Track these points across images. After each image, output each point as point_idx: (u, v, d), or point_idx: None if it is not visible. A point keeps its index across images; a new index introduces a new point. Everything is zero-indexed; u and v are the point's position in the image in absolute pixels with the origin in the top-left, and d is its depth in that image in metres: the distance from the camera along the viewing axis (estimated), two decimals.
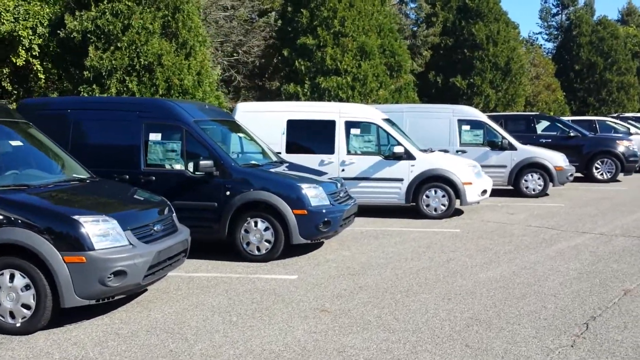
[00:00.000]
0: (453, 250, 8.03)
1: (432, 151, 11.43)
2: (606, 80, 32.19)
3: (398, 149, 10.55)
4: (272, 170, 8.00)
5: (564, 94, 30.02)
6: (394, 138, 10.73)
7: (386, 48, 16.46)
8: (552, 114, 26.71)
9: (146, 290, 6.09)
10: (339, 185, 8.44)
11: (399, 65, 16.56)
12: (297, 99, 15.75)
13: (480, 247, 8.25)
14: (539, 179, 13.49)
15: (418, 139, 13.49)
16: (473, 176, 10.64)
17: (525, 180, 13.53)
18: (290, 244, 7.38)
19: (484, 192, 10.77)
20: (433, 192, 10.66)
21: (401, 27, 21.60)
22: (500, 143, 13.45)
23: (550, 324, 5.12)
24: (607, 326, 5.06)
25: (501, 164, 13.53)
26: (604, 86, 32.23)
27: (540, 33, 46.22)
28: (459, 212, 11.18)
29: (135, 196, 6.04)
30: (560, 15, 44.06)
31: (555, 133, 17.06)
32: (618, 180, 16.72)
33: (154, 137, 7.61)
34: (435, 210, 10.66)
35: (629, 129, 19.49)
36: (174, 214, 6.09)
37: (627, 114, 28.81)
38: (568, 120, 19.78)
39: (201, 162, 7.20)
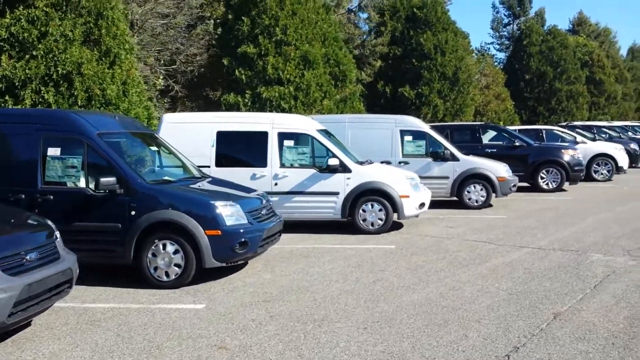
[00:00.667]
0: (382, 269, 7.55)
1: (370, 163, 11.00)
2: (556, 89, 32.61)
3: (333, 162, 10.07)
4: (187, 186, 7.40)
5: (514, 103, 30.24)
6: (329, 150, 10.25)
7: (330, 57, 16.05)
8: (501, 123, 26.82)
9: (29, 324, 5.41)
10: (263, 201, 7.90)
11: (343, 74, 16.16)
12: (238, 109, 15.17)
13: (411, 264, 7.80)
14: (481, 190, 13.21)
15: (360, 150, 13.11)
16: (410, 189, 10.23)
17: (468, 192, 13.24)
18: (203, 268, 6.78)
19: (422, 205, 10.37)
20: (370, 206, 10.20)
21: (350, 36, 21.29)
22: (442, 154, 13.15)
23: (468, 357, 4.66)
24: (530, 359, 4.63)
25: (444, 175, 13.22)
26: (554, 95, 32.64)
27: (492, 43, 46.99)
28: (398, 226, 10.76)
29: (11, 220, 5.35)
30: (512, 25, 44.73)
31: (501, 143, 16.93)
32: (564, 190, 16.64)
33: (53, 151, 6.91)
34: (372, 225, 10.21)
35: (575, 137, 19.55)
36: (58, 239, 5.39)
37: (575, 123, 29.28)
38: (515, 130, 19.76)
39: (102, 179, 6.54)
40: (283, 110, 15.15)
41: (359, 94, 21.48)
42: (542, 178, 16.35)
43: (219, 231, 6.69)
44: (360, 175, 10.17)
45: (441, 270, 7.46)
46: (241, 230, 6.85)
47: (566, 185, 16.66)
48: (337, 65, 16.06)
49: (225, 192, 7.47)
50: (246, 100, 15.20)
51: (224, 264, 6.90)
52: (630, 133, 28.22)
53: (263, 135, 10.30)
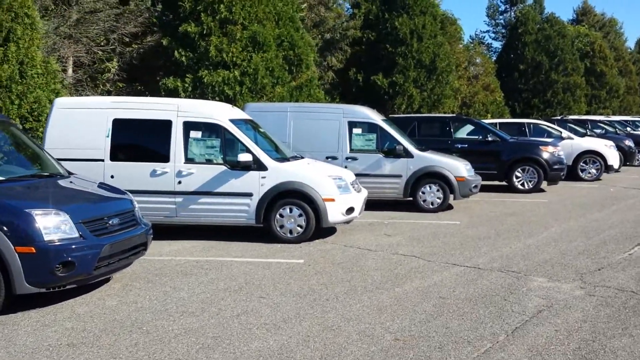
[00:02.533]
0: (263, 296, 6.04)
1: (298, 158, 9.48)
2: (552, 80, 30.73)
3: (244, 157, 8.54)
4: (15, 187, 5.90)
5: (503, 94, 28.40)
6: (243, 143, 8.72)
7: (285, 39, 14.47)
8: (489, 116, 25.13)
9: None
10: (131, 204, 6.43)
11: (299, 59, 14.58)
12: (177, 95, 13.65)
13: (303, 290, 6.28)
14: (437, 190, 11.64)
15: (303, 143, 11.70)
16: (336, 190, 8.67)
17: (423, 193, 11.67)
18: (15, 295, 5.30)
19: (351, 210, 8.80)
20: (288, 210, 8.67)
21: (322, 19, 19.66)
22: (394, 149, 11.59)
23: None
24: None
25: (396, 174, 11.67)
26: (550, 87, 30.77)
27: (487, 31, 44.91)
28: (329, 232, 9.25)
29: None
30: (509, 13, 42.69)
31: (478, 137, 15.31)
32: (542, 190, 15.04)
33: None
34: (291, 232, 8.68)
35: (561, 132, 17.88)
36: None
37: (570, 117, 27.50)
38: (494, 124, 18.14)
39: None
40: (227, 98, 13.62)
41: (329, 80, 19.96)
42: (517, 177, 14.74)
43: (33, 248, 5.20)
44: (278, 173, 8.64)
45: (334, 299, 5.94)
46: (67, 247, 5.35)
47: (546, 185, 15.12)
48: (292, 49, 14.49)
49: (59, 195, 5.97)
50: (186, 85, 13.68)
51: (42, 290, 5.40)
52: (629, 128, 26.48)
53: (166, 125, 8.78)
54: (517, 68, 30.80)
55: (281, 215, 8.66)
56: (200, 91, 13.74)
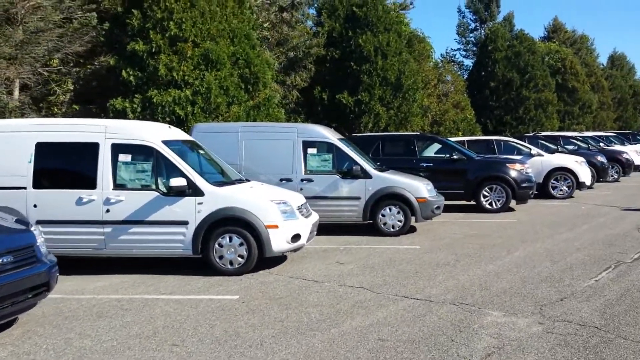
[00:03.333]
0: (176, 344, 5.27)
1: (242, 181, 8.77)
2: (523, 97, 30.50)
3: (177, 182, 7.80)
4: None
5: (475, 112, 28.08)
6: (176, 166, 7.98)
7: (240, 57, 13.83)
8: (460, 134, 24.71)
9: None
10: (32, 239, 5.66)
11: (256, 77, 13.94)
12: (125, 116, 12.90)
13: (227, 333, 5.51)
14: (398, 213, 10.99)
15: (256, 165, 11.05)
16: (279, 217, 7.95)
17: (383, 215, 11.01)
18: None
19: (296, 237, 8.08)
20: (227, 239, 7.92)
21: (284, 37, 19.11)
22: (352, 170, 10.94)
23: None
24: None
25: (354, 195, 11.00)
26: (521, 104, 30.53)
27: (458, 49, 44.82)
28: (277, 261, 8.51)
29: None
30: (479, 31, 42.68)
31: (444, 156, 14.75)
32: (511, 209, 14.49)
33: None
34: (231, 263, 7.92)
35: (530, 149, 17.42)
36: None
37: (543, 133, 27.21)
38: (460, 142, 17.66)
39: None
40: (178, 118, 12.91)
41: (293, 100, 19.35)
42: (484, 196, 14.17)
43: None
44: (216, 199, 7.90)
45: (259, 344, 5.18)
46: None
47: (516, 204, 14.58)
48: (248, 67, 13.85)
49: None
50: (135, 106, 12.94)
51: None
52: (602, 144, 26.25)
53: (92, 148, 8.02)
54: (488, 85, 30.53)
55: (220, 245, 7.90)
56: (149, 112, 13.01)
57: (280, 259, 8.69)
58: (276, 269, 8.23)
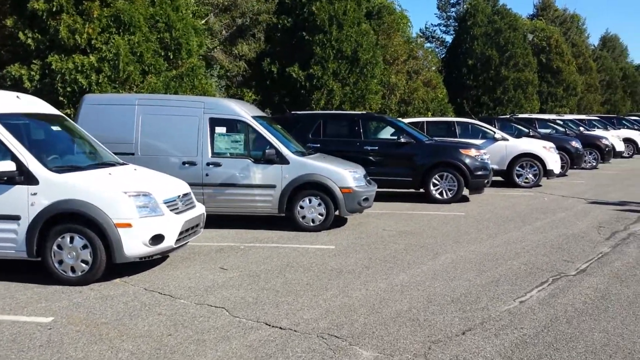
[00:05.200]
0: None
1: (108, 165, 7.16)
2: (502, 77, 28.76)
3: (5, 167, 6.18)
4: None
5: (452, 91, 26.39)
6: (8, 148, 6.34)
7: (160, 20, 12.11)
8: (430, 114, 23.07)
9: None
10: None
11: (177, 44, 12.23)
12: (21, 85, 11.17)
13: None
14: (319, 205, 9.41)
15: (156, 144, 9.46)
16: (134, 213, 6.34)
17: (301, 207, 9.43)
18: None
19: (158, 238, 6.48)
20: (68, 239, 6.32)
21: (232, 2, 17.30)
22: (265, 153, 9.32)
23: None
24: None
25: (268, 183, 9.40)
26: (500, 83, 28.81)
27: (439, 25, 42.82)
28: (150, 265, 6.94)
29: None
30: (461, 5, 40.67)
31: (391, 138, 13.13)
32: (466, 200, 12.97)
33: None
34: (73, 270, 6.32)
35: (494, 133, 15.84)
36: None
37: (521, 115, 25.63)
38: (417, 123, 16.07)
39: None
40: (81, 88, 11.22)
41: (240, 72, 17.63)
42: (434, 185, 12.60)
43: None
44: (52, 188, 6.25)
45: None
46: None
47: (472, 194, 13.06)
48: (169, 31, 12.13)
49: None
50: (33, 74, 11.24)
51: None
52: (582, 128, 24.72)
53: None
54: (465, 63, 28.77)
55: (60, 247, 6.31)
56: (49, 80, 11.31)
57: (156, 260, 7.13)
58: (137, 276, 6.66)
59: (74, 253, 6.28)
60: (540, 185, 15.60)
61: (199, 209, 7.42)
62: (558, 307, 5.60)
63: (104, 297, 5.92)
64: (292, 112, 13.86)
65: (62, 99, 11.39)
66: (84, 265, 6.29)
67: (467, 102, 28.48)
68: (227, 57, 16.88)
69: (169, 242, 6.59)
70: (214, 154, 9.43)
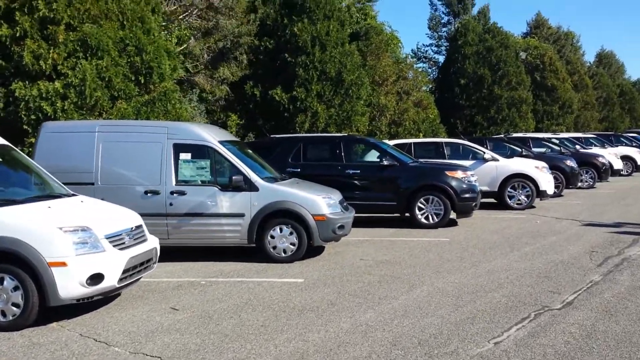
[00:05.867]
0: None
1: (60, 197, 6.61)
2: (495, 95, 28.32)
3: None
4: None
5: (444, 111, 25.91)
6: None
7: (130, 43, 11.68)
8: (421, 135, 22.57)
9: None
10: None
11: (149, 68, 11.79)
12: None
13: None
14: (291, 234, 8.83)
15: (118, 172, 8.94)
16: (70, 250, 5.75)
17: (272, 237, 8.84)
18: None
19: (97, 277, 5.88)
20: None
21: (215, 25, 16.94)
22: (232, 180, 8.76)
23: None
24: None
25: (237, 212, 8.83)
26: (493, 103, 28.35)
27: (430, 45, 42.54)
28: (98, 304, 6.34)
29: None
30: (452, 25, 40.40)
31: (374, 161, 12.59)
32: (454, 224, 12.38)
33: None
34: (4, 314, 5.72)
35: (483, 153, 15.29)
36: None
37: (516, 134, 25.12)
38: (404, 144, 15.59)
39: None
40: (46, 116, 10.74)
41: (223, 96, 17.18)
42: (420, 209, 12.01)
43: None
44: None
45: None
46: None
47: (460, 218, 12.46)
48: (140, 55, 11.70)
49: None
50: None
51: None
52: (578, 146, 24.16)
53: None
54: (458, 83, 28.33)
55: None
56: (13, 108, 10.84)
57: (102, 301, 6.52)
58: (77, 319, 6.04)
59: (4, 295, 5.69)
60: (533, 207, 15.00)
61: (151, 243, 6.84)
62: (536, 350, 4.97)
63: (33, 344, 5.31)
64: (272, 135, 13.36)
65: (26, 127, 10.90)
66: (15, 309, 5.69)
67: (460, 122, 27.97)
68: (208, 81, 16.45)
69: (110, 281, 5.99)
70: (179, 182, 8.87)
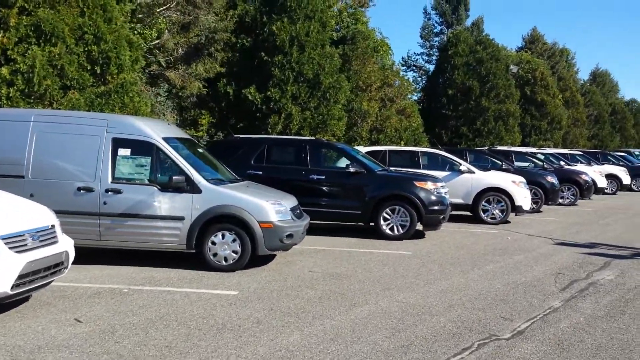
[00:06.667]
0: None
1: None
2: (482, 107, 27.77)
3: None
4: None
5: (430, 121, 25.32)
6: None
7: (88, 31, 11.03)
8: (402, 143, 21.97)
9: None
10: None
11: (106, 58, 11.13)
12: None
13: None
14: (234, 241, 8.15)
15: (49, 166, 8.25)
16: None
17: (213, 243, 8.16)
18: None
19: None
20: None
21: (193, 19, 16.30)
22: (171, 180, 8.08)
23: None
24: None
25: (176, 215, 8.14)
26: (480, 114, 27.81)
27: (421, 54, 42.11)
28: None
29: None
30: (444, 35, 39.91)
31: (341, 167, 11.98)
32: (422, 236, 11.75)
33: None
34: None
35: (459, 165, 14.69)
36: None
37: (499, 148, 24.58)
38: (378, 151, 14.99)
39: None
40: None
41: (196, 92, 16.52)
42: (385, 219, 11.38)
43: None
44: None
45: None
46: None
47: (426, 230, 11.83)
48: (97, 43, 11.04)
49: None
50: None
51: None
52: (562, 162, 23.62)
53: None
54: (445, 93, 27.77)
55: None
56: None
57: (13, 303, 5.84)
58: None
59: None
60: (508, 222, 14.42)
61: (62, 245, 6.15)
62: None
63: None
64: (235, 135, 12.70)
65: None
66: None
67: (446, 132, 27.40)
68: (180, 76, 15.81)
69: (1, 287, 5.31)
70: (115, 180, 8.18)
